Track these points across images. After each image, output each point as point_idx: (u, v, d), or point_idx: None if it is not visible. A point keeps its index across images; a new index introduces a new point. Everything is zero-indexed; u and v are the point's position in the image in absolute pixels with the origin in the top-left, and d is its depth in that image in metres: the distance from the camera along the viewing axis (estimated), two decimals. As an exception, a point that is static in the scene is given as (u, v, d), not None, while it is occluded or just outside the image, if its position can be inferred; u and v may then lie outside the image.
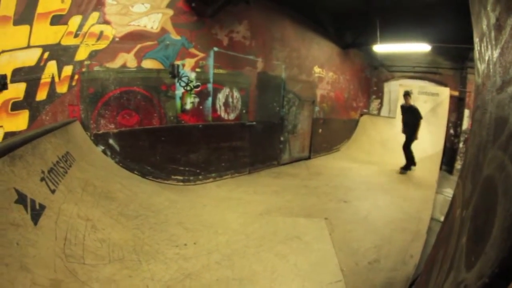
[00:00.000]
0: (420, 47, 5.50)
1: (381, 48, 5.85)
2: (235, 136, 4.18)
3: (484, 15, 0.99)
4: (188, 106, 3.62)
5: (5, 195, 1.35)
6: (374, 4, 4.74)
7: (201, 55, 3.69)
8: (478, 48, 1.22)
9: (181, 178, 3.64)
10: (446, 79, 6.72)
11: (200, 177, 3.84)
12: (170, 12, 3.53)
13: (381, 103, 8.12)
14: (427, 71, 7.05)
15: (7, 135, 3.25)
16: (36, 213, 1.54)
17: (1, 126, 3.31)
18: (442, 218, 2.80)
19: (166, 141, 3.48)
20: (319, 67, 5.97)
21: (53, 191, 1.84)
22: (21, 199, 1.45)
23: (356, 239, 2.51)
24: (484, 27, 1.01)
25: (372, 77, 8.10)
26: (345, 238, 2.52)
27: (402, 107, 5.12)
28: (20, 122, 3.27)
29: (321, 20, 5.62)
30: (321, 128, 6.07)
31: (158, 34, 3.41)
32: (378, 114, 8.05)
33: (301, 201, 3.36)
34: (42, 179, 1.80)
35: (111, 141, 3.14)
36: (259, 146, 4.57)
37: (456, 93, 6.39)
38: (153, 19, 3.46)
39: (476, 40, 1.28)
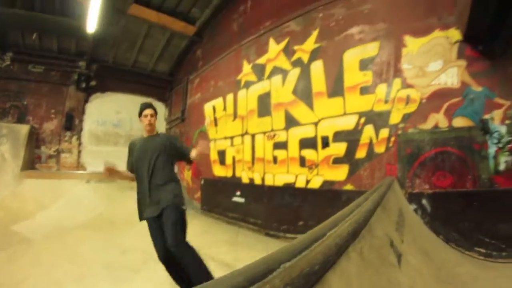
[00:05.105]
0: None
1: None
2: (553, 204, 3.37)
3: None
4: (501, 167, 3.26)
5: (385, 239, 1.66)
6: None
7: (507, 103, 3.38)
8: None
9: (483, 251, 3.20)
10: None
11: (504, 254, 3.14)
12: (463, 63, 3.54)
13: None
14: None
15: (325, 183, 4.25)
16: (398, 259, 1.72)
17: (321, 175, 4.33)
18: None
19: (477, 207, 3.26)
20: None
21: (402, 241, 2.06)
22: (392, 244, 1.69)
23: None
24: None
25: None
26: None
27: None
28: (339, 174, 4.01)
29: None
30: None
31: (460, 89, 3.48)
32: None
33: None
34: (396, 229, 2.11)
35: (424, 201, 3.37)
36: None
37: None
38: (450, 74, 3.57)
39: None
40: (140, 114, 2.80)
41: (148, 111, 2.77)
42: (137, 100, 9.41)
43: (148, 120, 2.75)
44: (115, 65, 8.76)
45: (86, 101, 8.68)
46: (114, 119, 8.37)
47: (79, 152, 8.66)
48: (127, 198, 6.88)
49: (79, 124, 8.66)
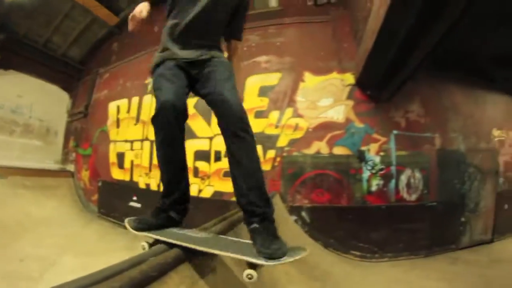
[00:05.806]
0: None
1: None
2: (415, 218, 3.93)
3: None
4: (374, 188, 3.74)
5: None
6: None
7: (383, 139, 3.80)
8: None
9: (358, 253, 3.71)
10: None
11: (377, 255, 3.74)
12: (351, 103, 3.91)
13: None
14: None
15: (216, 193, 4.40)
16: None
17: (212, 186, 4.37)
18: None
19: (351, 219, 3.75)
20: (498, 128, 4.99)
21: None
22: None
23: None
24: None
25: None
26: None
27: None
28: (229, 186, 4.11)
29: (485, 69, 4.66)
30: (508, 204, 4.90)
31: (344, 124, 3.81)
32: None
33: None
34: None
35: (303, 213, 3.74)
36: (437, 228, 4.12)
37: None
38: (338, 111, 3.91)
39: None
40: None
41: None
42: (41, 86, 7.88)
43: None
44: (26, 40, 7.20)
45: (-16, 77, 7.27)
46: (13, 104, 6.98)
47: (-30, 139, 6.92)
48: (20, 197, 5.93)
49: (-27, 104, 7.08)
